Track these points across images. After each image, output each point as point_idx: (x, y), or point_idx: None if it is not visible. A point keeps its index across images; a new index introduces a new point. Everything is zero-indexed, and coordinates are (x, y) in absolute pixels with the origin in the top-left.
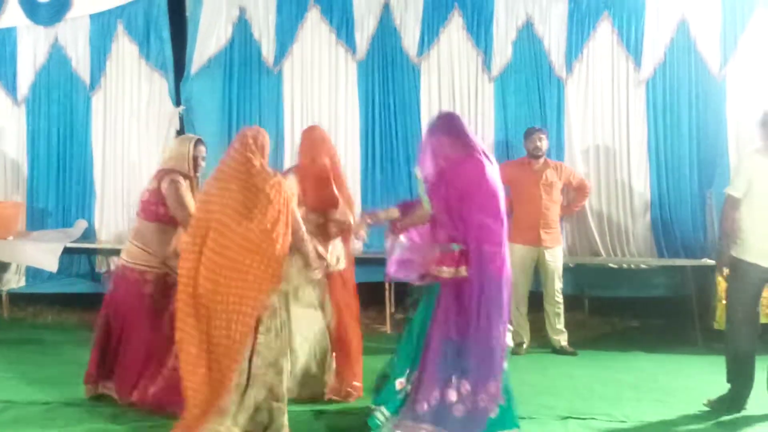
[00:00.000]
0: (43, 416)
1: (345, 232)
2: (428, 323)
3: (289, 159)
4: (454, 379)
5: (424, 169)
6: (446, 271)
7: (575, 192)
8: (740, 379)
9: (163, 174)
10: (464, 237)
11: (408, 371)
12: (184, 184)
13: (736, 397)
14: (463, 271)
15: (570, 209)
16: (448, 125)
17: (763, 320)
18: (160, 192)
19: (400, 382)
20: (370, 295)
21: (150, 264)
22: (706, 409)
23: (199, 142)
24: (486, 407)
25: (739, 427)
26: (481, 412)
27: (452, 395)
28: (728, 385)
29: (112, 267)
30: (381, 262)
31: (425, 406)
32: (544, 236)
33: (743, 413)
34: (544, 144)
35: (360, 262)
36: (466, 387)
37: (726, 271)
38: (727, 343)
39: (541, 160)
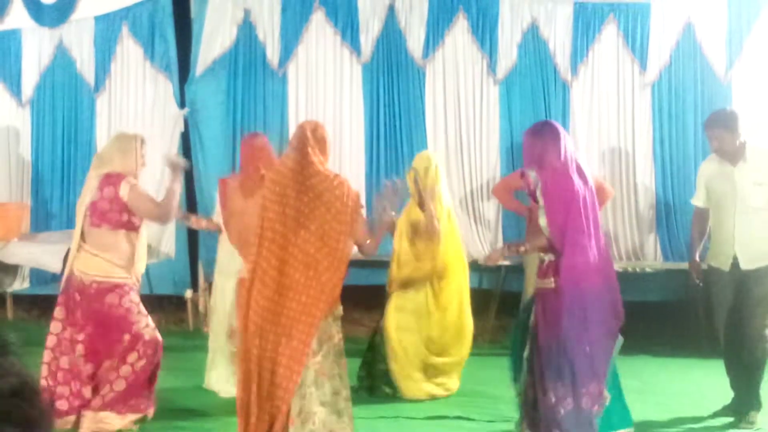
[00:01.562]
0: None
1: None
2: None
3: None
4: (555, 384)
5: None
6: (540, 282)
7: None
8: (742, 387)
9: (114, 179)
10: (559, 248)
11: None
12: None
13: (741, 405)
14: (551, 282)
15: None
16: (556, 134)
17: None
18: (119, 199)
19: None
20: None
21: (123, 275)
22: (711, 413)
23: (143, 140)
24: (590, 408)
25: (745, 429)
26: (586, 413)
27: (552, 399)
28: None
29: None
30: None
31: (541, 412)
32: None
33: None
34: None
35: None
36: (567, 390)
37: (696, 277)
38: (723, 350)
39: None
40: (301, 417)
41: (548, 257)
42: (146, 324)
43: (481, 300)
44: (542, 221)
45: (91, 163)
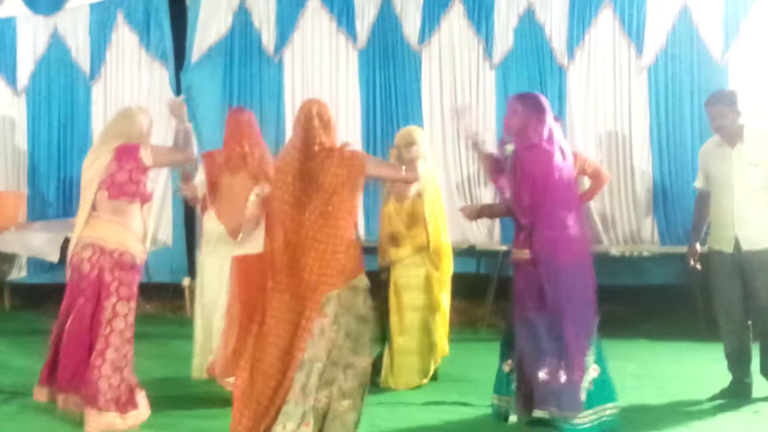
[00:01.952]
0: (44, 406)
1: None
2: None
3: None
4: (541, 359)
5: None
6: (516, 252)
7: (591, 180)
8: (738, 368)
9: (131, 149)
10: (532, 222)
11: (509, 354)
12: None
13: (739, 385)
14: (526, 253)
15: (584, 197)
16: (542, 107)
17: None
18: (140, 167)
19: (507, 364)
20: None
21: (139, 248)
22: (709, 396)
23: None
24: (575, 382)
25: (742, 412)
26: (570, 386)
27: (544, 374)
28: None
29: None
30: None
31: (528, 387)
32: None
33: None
34: None
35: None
36: (553, 365)
37: (692, 262)
38: (721, 334)
39: None
40: (304, 392)
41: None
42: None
43: (479, 285)
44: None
45: (98, 139)
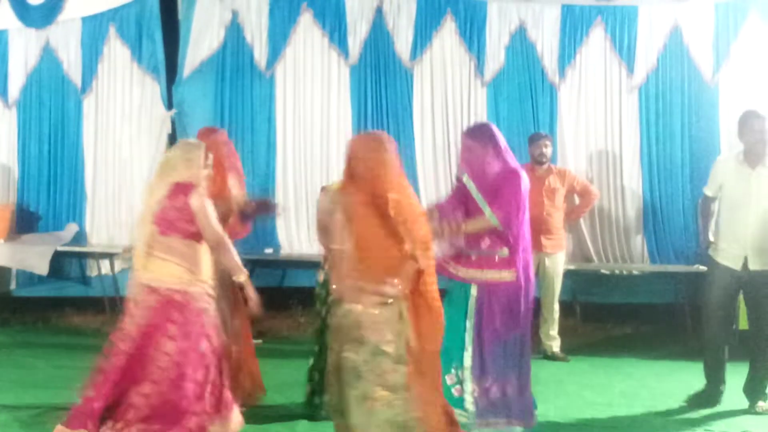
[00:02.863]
0: (33, 420)
1: None
2: (473, 323)
3: (282, 163)
4: (508, 375)
5: (475, 176)
6: (491, 274)
7: (580, 198)
8: (714, 376)
9: (185, 188)
10: (514, 244)
11: (456, 367)
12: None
13: (712, 392)
14: (508, 275)
15: (573, 215)
16: (494, 135)
17: (743, 326)
18: (189, 208)
19: (449, 377)
20: None
21: (196, 284)
22: (697, 415)
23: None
24: (532, 399)
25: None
26: (530, 403)
27: (509, 389)
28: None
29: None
30: None
31: (491, 401)
32: (545, 242)
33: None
34: (549, 150)
35: None
36: (516, 382)
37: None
38: (703, 342)
39: (545, 166)
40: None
41: (501, 252)
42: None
43: None
44: (493, 217)
45: (156, 171)
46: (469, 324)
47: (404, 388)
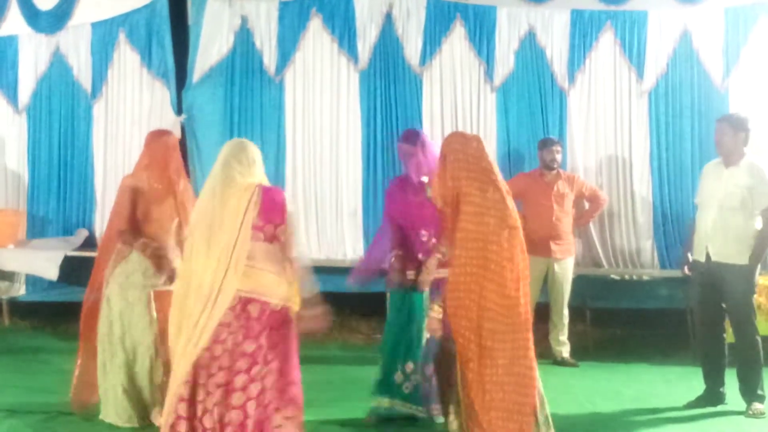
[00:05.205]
0: (42, 426)
1: None
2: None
3: (291, 168)
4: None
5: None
6: (443, 272)
7: (589, 203)
8: (712, 377)
9: (274, 192)
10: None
11: (403, 363)
12: None
13: (712, 394)
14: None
15: (582, 220)
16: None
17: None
18: (282, 213)
19: (397, 376)
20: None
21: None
22: (707, 420)
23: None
24: None
25: None
26: None
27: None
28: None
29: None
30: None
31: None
32: (554, 247)
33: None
34: (559, 156)
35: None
36: None
37: (685, 270)
38: (697, 345)
39: (554, 172)
40: None
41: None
42: None
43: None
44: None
45: (219, 176)
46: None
47: None
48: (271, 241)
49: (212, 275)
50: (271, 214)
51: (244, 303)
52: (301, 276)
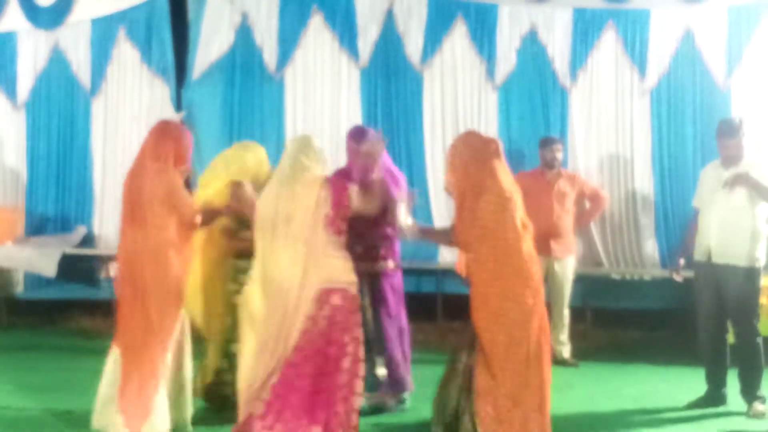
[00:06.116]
0: (39, 423)
1: None
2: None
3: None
4: (398, 353)
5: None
6: (381, 265)
7: (590, 202)
8: (714, 378)
9: (340, 185)
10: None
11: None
12: None
13: (713, 395)
14: (392, 264)
15: (583, 220)
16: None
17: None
18: (346, 204)
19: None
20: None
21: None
22: (708, 420)
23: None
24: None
25: None
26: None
27: (400, 367)
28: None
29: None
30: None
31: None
32: (554, 246)
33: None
34: (560, 154)
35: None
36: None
37: (674, 275)
38: (699, 346)
39: (555, 171)
40: None
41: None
42: None
43: (425, 304)
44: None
45: (286, 170)
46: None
47: None
48: (339, 233)
49: (290, 272)
50: (340, 205)
51: (326, 293)
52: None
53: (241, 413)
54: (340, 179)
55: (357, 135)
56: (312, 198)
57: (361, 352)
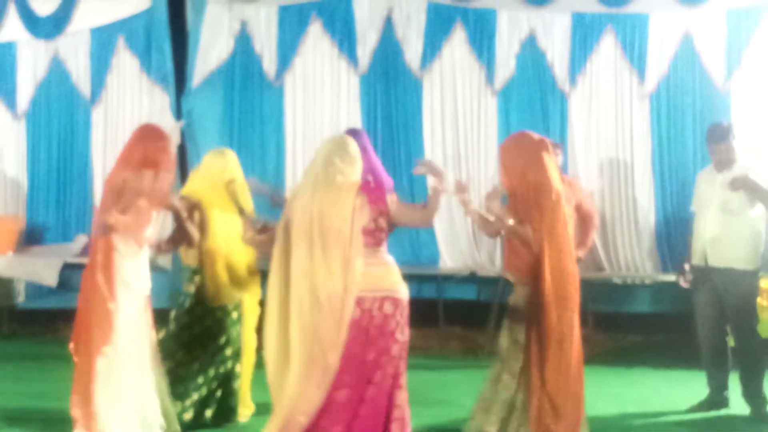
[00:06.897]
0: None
1: None
2: None
3: (291, 173)
4: None
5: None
6: None
7: (580, 222)
8: (715, 382)
9: (378, 192)
10: None
11: None
12: None
13: (715, 398)
14: None
15: (582, 246)
16: None
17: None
18: (387, 213)
19: None
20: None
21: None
22: (711, 424)
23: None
24: None
25: None
26: None
27: None
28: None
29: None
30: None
31: None
32: None
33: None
34: (560, 159)
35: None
36: None
37: (681, 281)
38: (700, 349)
39: None
40: None
41: None
42: None
43: (480, 312)
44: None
45: (321, 175)
46: None
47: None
48: (378, 242)
49: (330, 281)
50: (377, 210)
51: (380, 302)
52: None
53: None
54: (377, 186)
55: (354, 132)
56: (348, 207)
57: (404, 365)
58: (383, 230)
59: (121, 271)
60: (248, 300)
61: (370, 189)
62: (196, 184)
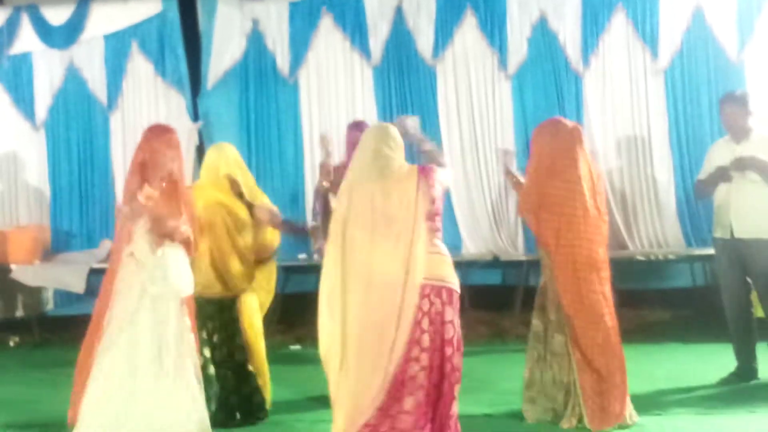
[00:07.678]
0: None
1: None
2: None
3: (310, 169)
4: None
5: None
6: None
7: None
8: (743, 353)
9: (429, 172)
10: None
11: None
12: None
13: (744, 370)
14: None
15: None
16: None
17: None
18: (440, 194)
19: None
20: None
21: None
22: (743, 396)
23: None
24: None
25: None
26: None
27: None
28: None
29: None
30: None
31: None
32: None
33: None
34: None
35: None
36: None
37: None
38: (727, 322)
39: None
40: None
41: None
42: None
43: (505, 296)
44: None
45: (378, 163)
46: None
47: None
48: (436, 229)
49: (392, 270)
50: (434, 195)
51: (437, 291)
52: None
53: (350, 424)
54: (430, 169)
55: (359, 124)
56: (411, 194)
57: (460, 357)
58: (439, 214)
59: (126, 274)
60: (248, 298)
61: (428, 173)
62: (200, 180)
